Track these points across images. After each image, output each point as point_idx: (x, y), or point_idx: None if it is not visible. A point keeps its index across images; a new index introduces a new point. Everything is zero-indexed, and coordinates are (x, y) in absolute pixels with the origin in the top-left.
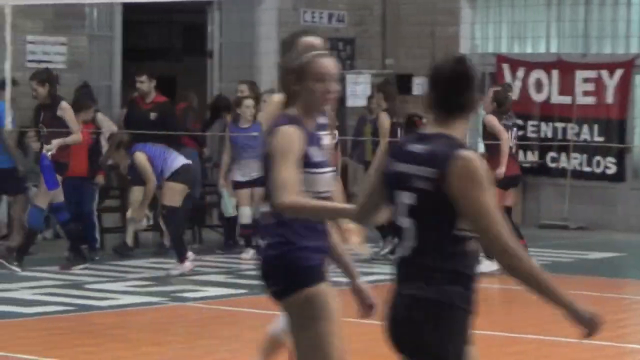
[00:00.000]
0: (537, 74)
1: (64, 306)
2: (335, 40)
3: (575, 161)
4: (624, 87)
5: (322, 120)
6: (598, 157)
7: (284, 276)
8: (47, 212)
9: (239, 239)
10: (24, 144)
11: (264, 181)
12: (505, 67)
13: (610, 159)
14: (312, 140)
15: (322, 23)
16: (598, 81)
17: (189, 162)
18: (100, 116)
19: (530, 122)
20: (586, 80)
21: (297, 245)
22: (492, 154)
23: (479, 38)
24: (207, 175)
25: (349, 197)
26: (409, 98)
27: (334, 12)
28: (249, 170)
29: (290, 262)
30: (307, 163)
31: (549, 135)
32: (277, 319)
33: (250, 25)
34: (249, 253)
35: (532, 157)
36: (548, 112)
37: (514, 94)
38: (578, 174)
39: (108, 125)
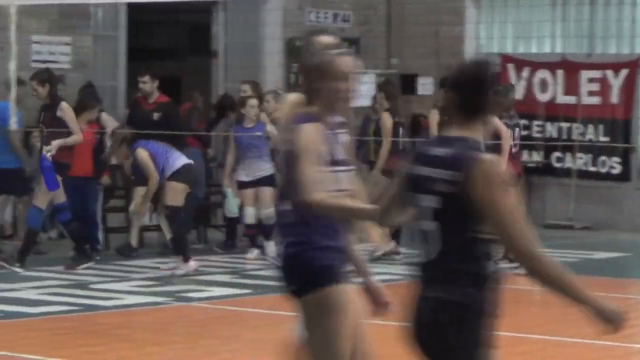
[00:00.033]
0: (542, 74)
1: (68, 306)
2: (340, 40)
3: (580, 161)
4: (629, 87)
5: (339, 118)
6: (603, 157)
7: (301, 275)
8: (50, 212)
9: (242, 239)
10: (30, 144)
11: (283, 179)
12: (510, 67)
13: (616, 159)
14: (332, 138)
15: (327, 23)
16: (603, 81)
17: (191, 162)
18: (104, 116)
19: (535, 122)
20: (591, 80)
21: (316, 245)
22: (493, 153)
23: (484, 38)
24: (212, 175)
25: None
26: (414, 98)
27: (339, 12)
28: (253, 170)
29: (308, 261)
30: (329, 161)
31: (554, 135)
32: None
33: (255, 25)
34: (254, 253)
35: (537, 157)
36: (553, 112)
37: (519, 94)
38: (583, 174)
39: (112, 125)
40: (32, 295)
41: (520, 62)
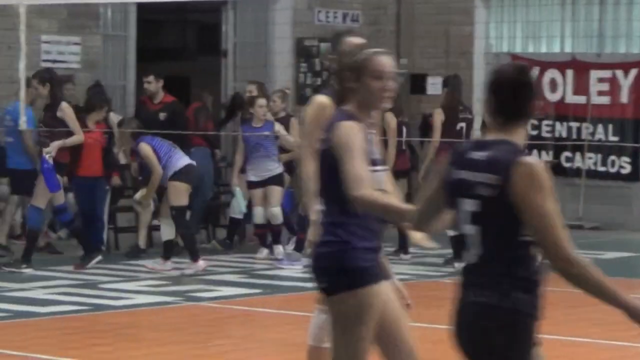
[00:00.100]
0: (552, 74)
1: (78, 306)
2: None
3: (589, 161)
4: (639, 87)
5: (369, 119)
6: (613, 157)
7: (335, 275)
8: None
9: (252, 238)
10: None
11: (320, 178)
12: None
13: (625, 159)
14: (368, 138)
15: (336, 22)
16: (612, 81)
17: (193, 162)
18: (112, 116)
19: (544, 122)
20: (601, 79)
21: (351, 245)
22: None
23: (494, 37)
24: (221, 174)
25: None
26: (423, 98)
27: (349, 11)
28: (261, 170)
29: (343, 261)
30: (369, 160)
31: (564, 135)
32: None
33: (265, 24)
34: (263, 253)
35: (546, 156)
36: (563, 112)
37: None
38: (593, 174)
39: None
40: (41, 295)
41: (529, 62)
